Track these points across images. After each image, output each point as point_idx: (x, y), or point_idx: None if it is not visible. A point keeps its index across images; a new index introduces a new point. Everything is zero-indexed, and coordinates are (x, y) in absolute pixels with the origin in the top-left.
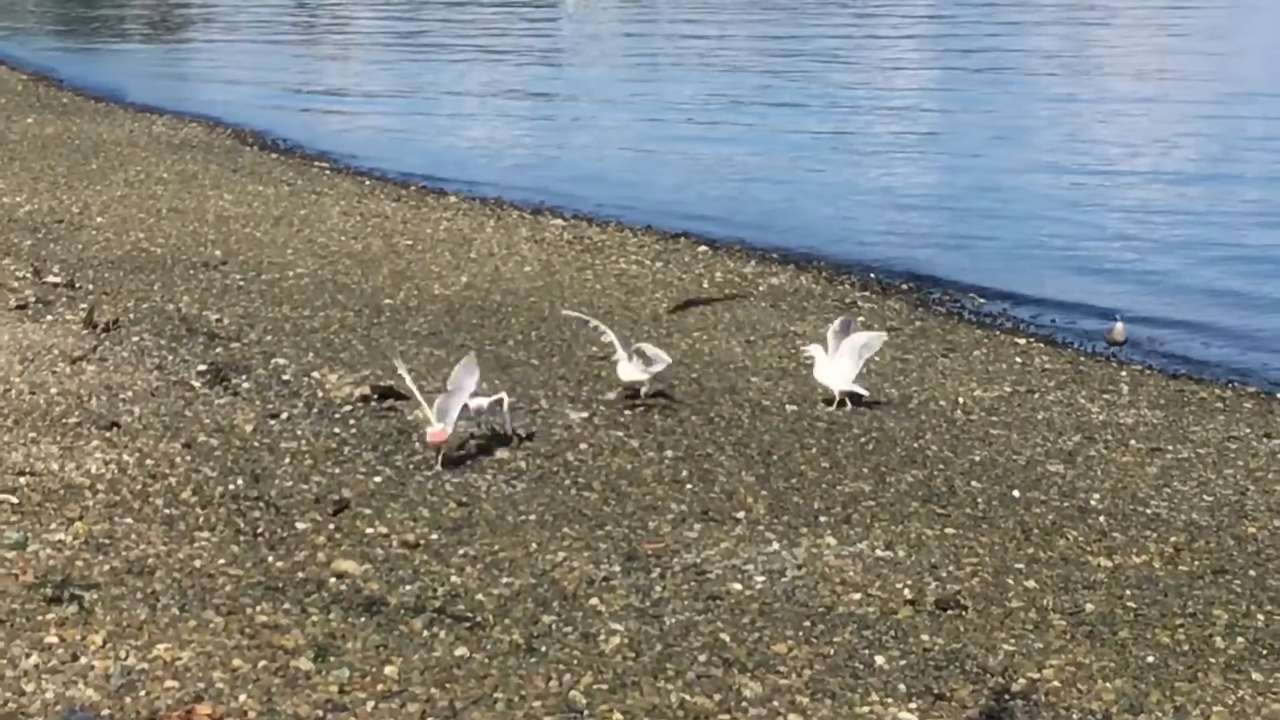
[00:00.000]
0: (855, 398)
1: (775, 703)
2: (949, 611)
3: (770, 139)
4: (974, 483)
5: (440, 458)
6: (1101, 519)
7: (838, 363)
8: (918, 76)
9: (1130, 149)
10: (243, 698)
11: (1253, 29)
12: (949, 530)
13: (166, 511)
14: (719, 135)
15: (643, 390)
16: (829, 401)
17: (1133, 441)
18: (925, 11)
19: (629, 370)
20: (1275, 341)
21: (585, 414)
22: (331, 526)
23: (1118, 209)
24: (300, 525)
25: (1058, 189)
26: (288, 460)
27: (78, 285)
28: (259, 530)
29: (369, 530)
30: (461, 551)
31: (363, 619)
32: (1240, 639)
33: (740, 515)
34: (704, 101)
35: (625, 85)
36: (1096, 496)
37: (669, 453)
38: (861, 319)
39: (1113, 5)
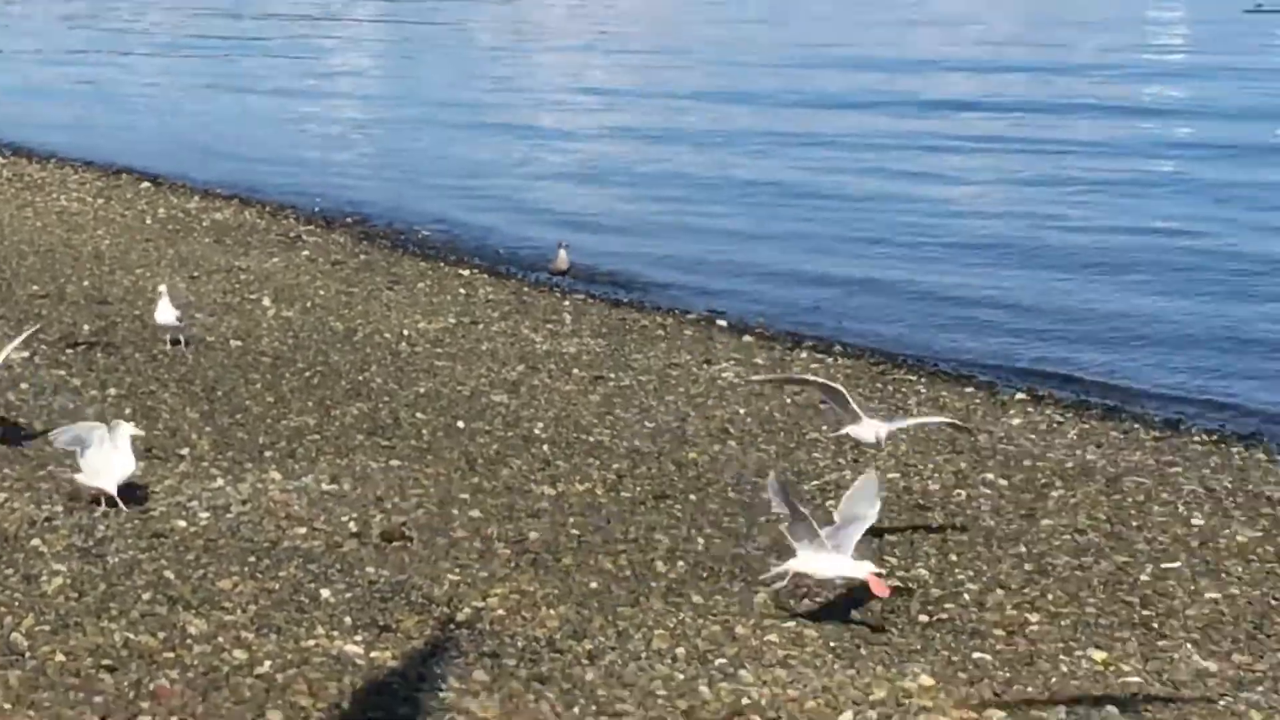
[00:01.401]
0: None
1: (220, 639)
2: (394, 543)
3: (224, 78)
4: (419, 414)
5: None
6: (545, 448)
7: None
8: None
9: (578, 97)
10: None
11: None
12: (394, 462)
13: None
14: (171, 71)
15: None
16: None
17: (576, 370)
18: None
19: None
20: (715, 269)
21: (26, 353)
22: None
23: (562, 145)
24: None
25: (503, 128)
26: None
27: None
28: None
29: None
30: None
31: None
32: (681, 563)
33: (184, 452)
34: (155, 40)
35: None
36: (540, 425)
37: (111, 390)
38: None
39: None
